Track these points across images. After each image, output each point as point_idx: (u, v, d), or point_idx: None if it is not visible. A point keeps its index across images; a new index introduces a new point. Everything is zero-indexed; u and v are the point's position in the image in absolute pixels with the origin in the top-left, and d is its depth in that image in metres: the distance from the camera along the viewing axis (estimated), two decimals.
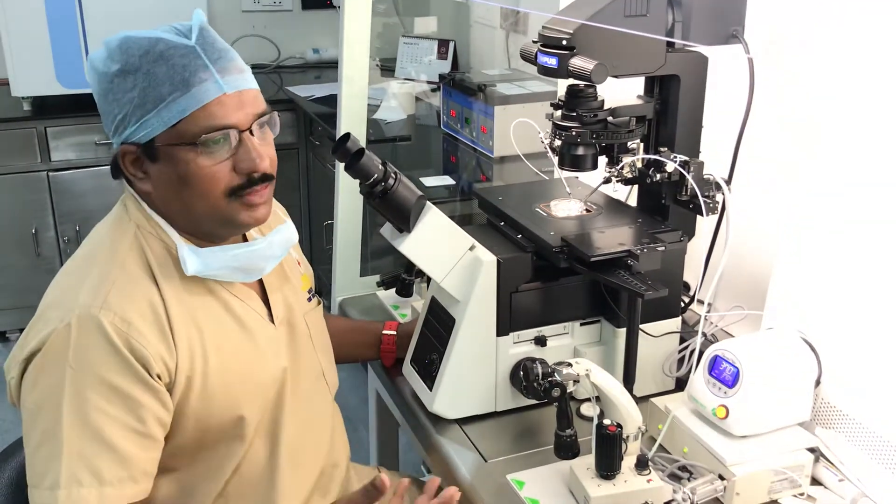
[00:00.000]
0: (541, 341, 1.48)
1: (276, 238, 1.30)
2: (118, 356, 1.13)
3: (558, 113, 1.51)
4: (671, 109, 1.54)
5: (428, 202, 1.43)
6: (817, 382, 1.37)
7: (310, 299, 1.46)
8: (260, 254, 1.28)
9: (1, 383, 1.29)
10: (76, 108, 3.41)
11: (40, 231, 3.49)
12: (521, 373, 1.39)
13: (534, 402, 1.46)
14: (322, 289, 1.52)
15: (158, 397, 1.16)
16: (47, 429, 1.12)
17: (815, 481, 1.31)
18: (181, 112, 1.15)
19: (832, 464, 1.33)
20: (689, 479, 1.29)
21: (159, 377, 1.16)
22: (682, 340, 1.55)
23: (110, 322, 1.13)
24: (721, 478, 1.27)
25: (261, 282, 1.34)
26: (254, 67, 1.25)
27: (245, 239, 1.34)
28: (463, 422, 1.47)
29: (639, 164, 1.52)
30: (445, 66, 3.53)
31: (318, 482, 1.42)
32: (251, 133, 1.19)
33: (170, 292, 1.20)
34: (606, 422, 1.24)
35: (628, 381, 1.46)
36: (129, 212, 1.24)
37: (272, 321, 1.33)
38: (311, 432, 1.40)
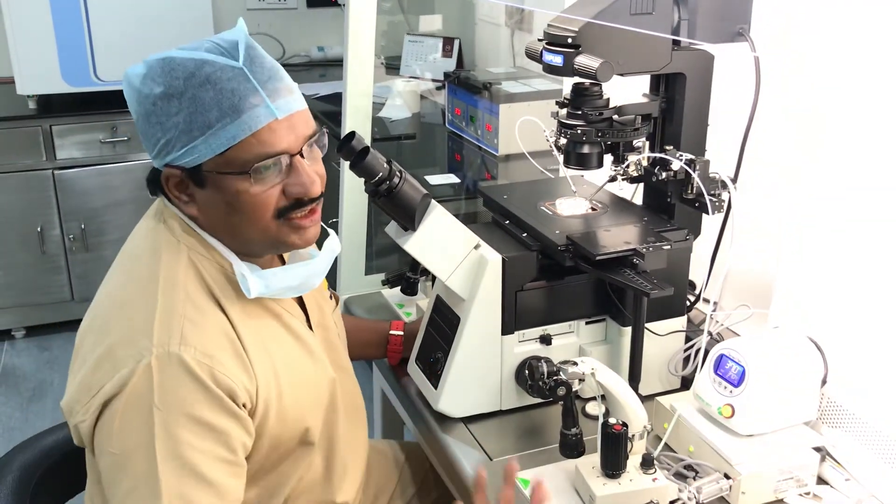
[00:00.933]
0: (546, 340, 1.47)
1: (327, 253, 1.30)
2: (206, 391, 1.10)
3: (563, 111, 1.50)
4: (677, 108, 1.53)
5: (433, 201, 1.43)
6: (823, 381, 1.37)
7: (331, 297, 1.46)
8: (316, 271, 1.27)
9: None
10: (81, 106, 3.42)
11: (46, 229, 3.50)
12: (527, 371, 1.39)
13: (539, 400, 1.46)
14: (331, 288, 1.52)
15: (244, 425, 1.14)
16: (141, 473, 1.08)
17: (821, 480, 1.31)
18: (231, 140, 1.10)
19: (838, 463, 1.32)
20: (694, 479, 1.29)
21: (244, 406, 1.14)
22: (687, 339, 1.54)
23: (192, 357, 1.09)
24: (727, 477, 1.26)
25: None
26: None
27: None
28: (468, 420, 1.47)
29: (644, 163, 1.51)
30: (450, 65, 3.53)
31: (363, 467, 1.44)
32: (301, 156, 1.16)
33: (235, 317, 1.17)
34: (612, 421, 1.24)
35: (634, 379, 1.45)
36: (175, 233, 1.19)
37: (310, 327, 1.33)
38: (356, 426, 1.41)
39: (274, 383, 1.19)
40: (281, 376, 1.21)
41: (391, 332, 1.64)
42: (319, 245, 1.32)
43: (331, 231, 1.34)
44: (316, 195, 1.18)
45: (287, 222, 1.18)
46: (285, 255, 1.35)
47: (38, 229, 3.49)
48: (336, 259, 2.02)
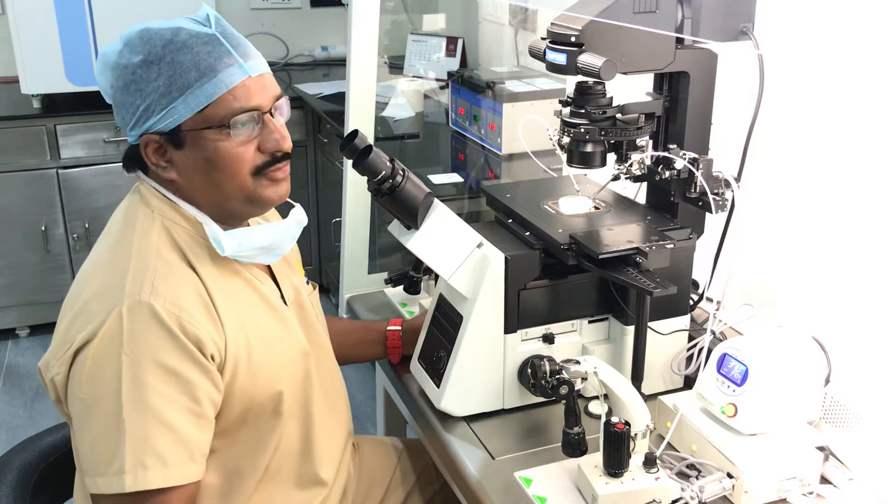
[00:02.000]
0: (549, 339, 1.47)
1: (292, 220, 1.35)
2: (173, 339, 1.15)
3: (567, 110, 1.50)
4: (680, 106, 1.53)
5: (436, 199, 1.43)
6: (827, 381, 1.37)
7: (307, 283, 1.50)
8: (283, 233, 1.33)
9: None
10: (85, 105, 3.42)
11: (50, 228, 3.50)
12: (529, 370, 1.39)
13: (541, 399, 1.45)
14: (330, 286, 1.53)
15: (211, 378, 1.18)
16: (107, 417, 1.13)
17: (824, 480, 1.31)
18: (209, 97, 1.18)
19: (842, 462, 1.32)
20: (697, 478, 1.29)
21: (212, 358, 1.18)
22: (690, 338, 1.54)
23: (162, 307, 1.15)
24: (729, 476, 1.26)
25: (268, 267, 1.38)
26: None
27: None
28: (470, 419, 1.47)
29: (648, 162, 1.51)
30: (454, 64, 3.53)
31: (344, 451, 1.47)
32: (271, 114, 1.24)
33: (206, 276, 1.23)
34: (614, 420, 1.24)
35: (636, 378, 1.45)
36: (149, 202, 1.26)
37: (285, 303, 1.37)
38: (336, 405, 1.45)
39: (244, 342, 1.23)
40: (251, 337, 1.25)
41: (388, 328, 1.65)
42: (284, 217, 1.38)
43: (296, 204, 1.39)
44: (288, 149, 1.26)
45: (262, 177, 1.25)
46: (252, 223, 1.39)
47: (42, 228, 3.49)
48: (339, 257, 2.03)
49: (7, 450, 1.43)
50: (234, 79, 1.19)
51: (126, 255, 1.21)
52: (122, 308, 1.14)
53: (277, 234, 1.32)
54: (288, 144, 1.26)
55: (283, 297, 1.37)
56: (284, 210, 1.38)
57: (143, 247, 1.21)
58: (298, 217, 1.36)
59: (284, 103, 1.28)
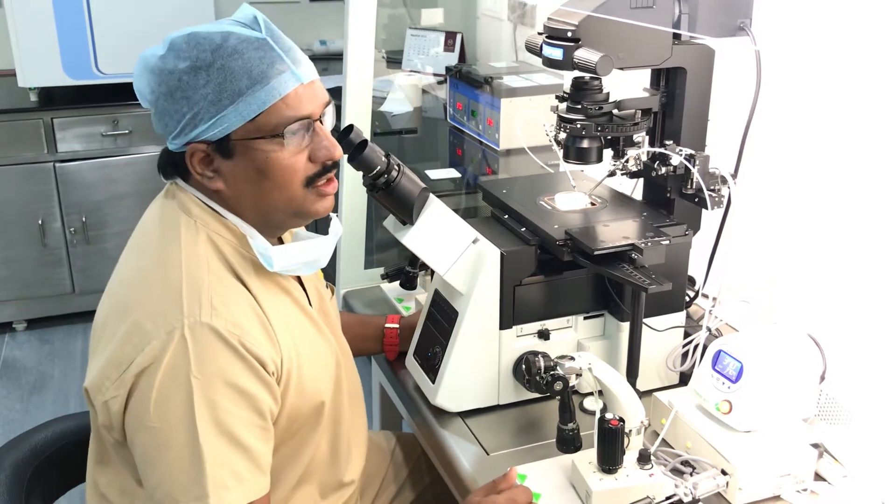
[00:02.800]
0: (544, 335, 1.47)
1: (334, 234, 1.33)
2: (240, 358, 1.12)
3: (563, 105, 1.50)
4: (677, 102, 1.53)
5: (431, 195, 1.42)
6: (822, 378, 1.37)
7: (326, 286, 1.48)
8: (325, 248, 1.30)
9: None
10: (83, 99, 3.41)
11: (47, 222, 3.49)
12: (524, 366, 1.39)
13: (536, 395, 1.45)
14: (327, 281, 1.53)
15: (272, 392, 1.16)
16: (182, 442, 1.10)
17: (818, 477, 1.31)
18: (261, 105, 1.14)
19: (836, 459, 1.32)
20: (691, 474, 1.29)
21: (273, 374, 1.17)
22: (686, 335, 1.54)
23: (224, 327, 1.11)
24: (724, 473, 1.26)
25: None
26: None
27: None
28: (465, 415, 1.47)
29: (644, 158, 1.51)
30: (452, 59, 3.52)
31: (364, 453, 1.46)
32: (321, 122, 1.21)
33: (256, 290, 1.20)
34: (609, 416, 1.24)
35: (631, 375, 1.45)
36: (190, 211, 1.20)
37: (311, 305, 1.35)
38: (358, 413, 1.44)
39: (295, 356, 1.22)
40: (301, 350, 1.23)
41: (386, 325, 1.64)
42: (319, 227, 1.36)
43: (334, 216, 1.37)
44: (339, 158, 1.22)
45: (312, 190, 1.21)
46: (285, 238, 1.37)
47: (40, 222, 3.48)
48: (335, 252, 2.03)
49: (4, 443, 1.43)
50: (286, 86, 1.14)
51: (175, 268, 1.15)
52: (184, 330, 1.10)
53: (322, 249, 1.29)
54: (339, 153, 1.22)
55: (309, 301, 1.35)
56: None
57: (191, 260, 1.16)
58: (336, 229, 1.34)
59: (331, 110, 1.24)
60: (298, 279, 1.35)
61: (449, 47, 3.58)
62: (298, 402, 1.23)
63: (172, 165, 1.23)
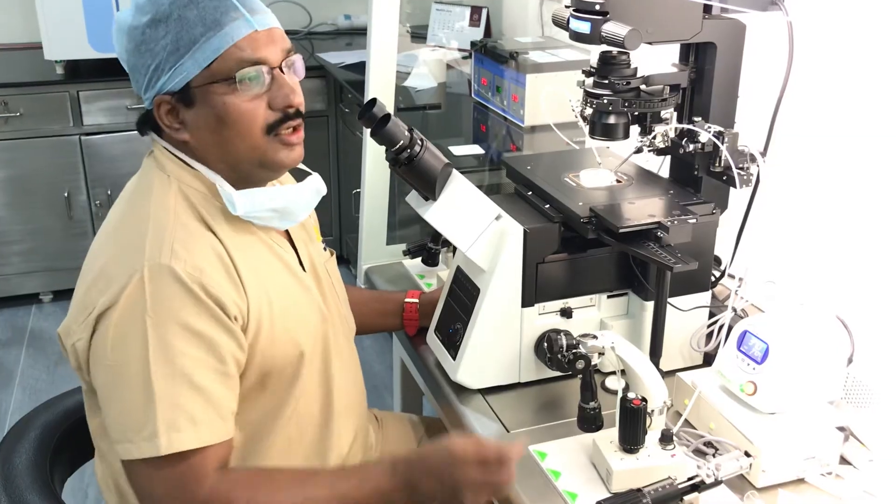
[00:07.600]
0: (566, 313, 1.46)
1: (307, 185, 1.33)
2: (196, 301, 1.14)
3: (590, 80, 1.48)
4: (706, 78, 1.50)
5: (454, 170, 1.41)
6: (849, 360, 1.34)
7: (325, 249, 1.49)
8: (296, 197, 1.31)
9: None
10: (108, 72, 3.42)
11: (72, 194, 3.52)
12: (546, 344, 1.38)
13: (558, 374, 1.44)
14: (350, 257, 1.52)
15: (235, 337, 1.18)
16: (136, 382, 1.13)
17: (843, 461, 1.29)
18: (215, 51, 1.17)
19: (862, 443, 1.30)
20: (714, 456, 1.27)
21: (235, 319, 1.18)
22: (711, 315, 1.52)
23: (183, 269, 1.14)
24: (747, 455, 1.25)
25: (287, 233, 1.37)
26: (285, 34, 1.28)
27: None
28: (486, 392, 1.46)
29: (672, 134, 1.48)
30: (478, 34, 3.48)
31: (360, 423, 1.46)
32: (281, 70, 1.22)
33: (225, 237, 1.22)
34: (631, 395, 1.22)
35: (655, 354, 1.44)
36: (164, 167, 1.25)
37: (303, 269, 1.36)
38: (353, 374, 1.45)
39: (266, 303, 1.23)
40: (273, 299, 1.25)
41: (406, 300, 1.64)
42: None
43: (314, 173, 1.38)
44: (299, 105, 1.24)
45: (275, 138, 1.23)
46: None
47: (65, 195, 3.51)
48: (358, 229, 2.02)
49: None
50: (239, 31, 1.18)
51: (143, 219, 1.20)
52: (143, 272, 1.14)
53: (289, 197, 1.30)
54: (299, 100, 1.24)
55: (301, 263, 1.36)
56: (302, 178, 1.37)
57: (160, 210, 1.20)
58: (316, 185, 1.35)
59: (298, 61, 1.26)
60: (289, 240, 1.36)
61: (474, 22, 3.54)
62: (272, 350, 1.24)
63: (148, 123, 1.28)
